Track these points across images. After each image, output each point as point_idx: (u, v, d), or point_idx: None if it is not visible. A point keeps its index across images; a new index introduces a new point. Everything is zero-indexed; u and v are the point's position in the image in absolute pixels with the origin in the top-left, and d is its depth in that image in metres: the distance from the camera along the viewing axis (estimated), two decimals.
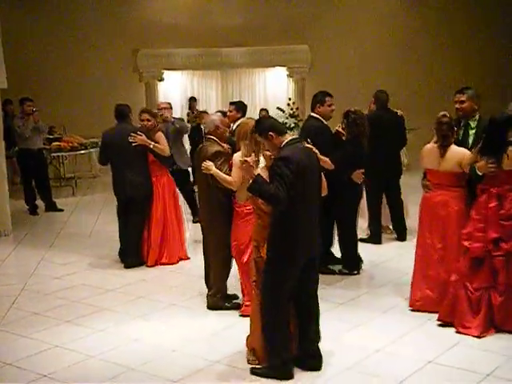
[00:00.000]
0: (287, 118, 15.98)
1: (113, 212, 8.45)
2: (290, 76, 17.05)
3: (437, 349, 5.33)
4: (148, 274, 7.71)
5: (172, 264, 8.03)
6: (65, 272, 7.90)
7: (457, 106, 6.51)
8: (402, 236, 8.80)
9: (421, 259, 6.27)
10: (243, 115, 8.83)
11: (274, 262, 4.86)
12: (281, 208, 4.75)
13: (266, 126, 4.97)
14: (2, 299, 6.96)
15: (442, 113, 6.13)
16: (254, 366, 5.04)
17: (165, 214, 8.07)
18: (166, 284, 7.37)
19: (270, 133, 4.88)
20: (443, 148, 6.06)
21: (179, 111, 15.85)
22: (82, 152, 13.32)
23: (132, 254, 8.01)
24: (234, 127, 8.37)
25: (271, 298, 4.88)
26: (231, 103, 9.36)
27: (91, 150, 13.37)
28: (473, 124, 6.48)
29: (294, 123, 15.76)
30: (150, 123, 8.00)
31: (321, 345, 5.09)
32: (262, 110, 15.00)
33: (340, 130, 7.40)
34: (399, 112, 8.85)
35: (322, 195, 5.18)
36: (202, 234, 6.59)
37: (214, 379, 4.95)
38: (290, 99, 16.61)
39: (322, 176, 5.15)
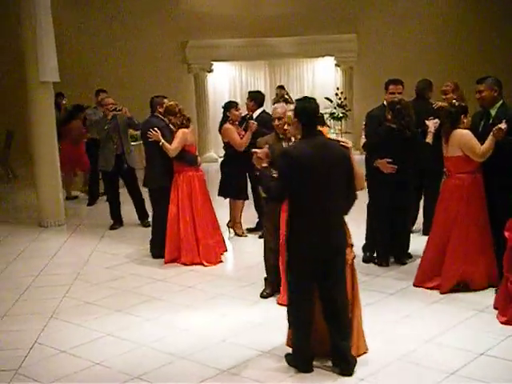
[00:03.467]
0: (335, 108, 15.91)
1: None
2: (337, 65, 16.92)
3: (489, 341, 5.25)
4: (197, 265, 7.75)
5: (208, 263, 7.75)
6: (116, 262, 8.03)
7: (477, 96, 6.42)
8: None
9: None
10: (259, 105, 8.90)
11: (288, 259, 4.86)
12: (276, 202, 4.86)
13: (302, 111, 4.81)
14: (56, 288, 7.12)
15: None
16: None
17: (190, 211, 7.81)
18: (214, 274, 7.42)
19: (297, 119, 4.79)
20: (445, 134, 6.39)
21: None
22: (132, 144, 13.46)
23: (155, 246, 8.09)
24: (255, 116, 8.72)
25: (290, 295, 4.89)
26: (249, 93, 9.49)
27: (140, 142, 13.47)
28: (493, 112, 6.35)
29: (342, 113, 15.68)
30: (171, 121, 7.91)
31: (370, 335, 5.06)
32: (278, 87, 14.73)
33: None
34: (440, 103, 8.25)
35: (358, 191, 4.92)
36: None
37: (263, 369, 4.96)
38: (337, 89, 16.50)
39: (359, 171, 4.93)
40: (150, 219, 9.13)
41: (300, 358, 4.90)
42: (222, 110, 8.91)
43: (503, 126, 5.97)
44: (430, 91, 8.67)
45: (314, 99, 4.95)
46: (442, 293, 6.32)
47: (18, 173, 14.79)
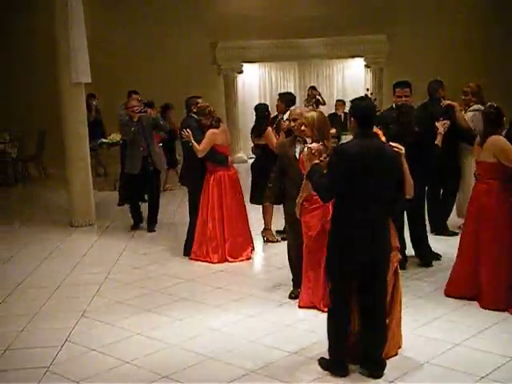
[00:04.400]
0: None
1: None
2: (367, 66, 16.85)
3: None
4: (227, 265, 7.79)
5: (236, 260, 7.90)
6: (145, 262, 8.10)
7: None
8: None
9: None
10: (287, 106, 8.92)
11: (328, 259, 4.89)
12: (325, 199, 4.86)
13: (358, 110, 4.79)
14: (87, 287, 7.20)
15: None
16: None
17: (220, 210, 7.91)
18: (244, 274, 7.45)
19: (354, 119, 4.77)
20: (482, 138, 6.17)
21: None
22: (161, 144, 13.54)
23: (190, 247, 8.18)
24: (285, 118, 8.71)
25: (330, 297, 4.90)
26: (279, 94, 9.60)
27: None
28: None
29: None
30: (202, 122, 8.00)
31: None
32: (310, 87, 14.68)
33: None
34: (449, 102, 8.19)
35: (408, 198, 4.90)
36: None
37: (291, 370, 4.97)
38: (367, 90, 16.42)
39: (408, 178, 4.86)
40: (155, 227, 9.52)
41: (335, 362, 4.87)
42: (258, 113, 8.87)
43: None
44: (443, 91, 8.63)
45: (370, 99, 4.92)
46: (483, 307, 6.06)
47: (50, 172, 14.99)
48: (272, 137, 8.51)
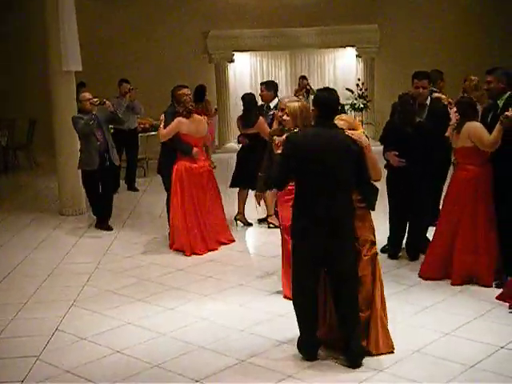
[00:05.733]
0: (356, 99, 15.84)
1: None
2: (359, 56, 16.83)
3: (509, 334, 5.23)
4: (216, 254, 7.80)
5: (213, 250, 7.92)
6: (136, 251, 8.09)
7: (485, 86, 6.37)
8: None
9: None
10: (275, 94, 9.04)
11: (292, 245, 4.94)
12: (273, 187, 5.17)
13: (320, 101, 4.85)
14: (77, 276, 7.19)
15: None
16: None
17: (183, 199, 7.88)
18: (234, 264, 7.45)
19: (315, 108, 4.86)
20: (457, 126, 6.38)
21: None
22: (153, 133, 13.51)
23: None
24: (272, 106, 8.84)
25: (293, 282, 4.94)
26: (261, 83, 9.59)
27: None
28: (500, 104, 6.27)
29: (363, 104, 15.61)
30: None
31: (389, 327, 5.06)
32: (301, 77, 14.71)
33: None
34: (437, 95, 8.03)
35: (375, 181, 4.94)
36: None
37: (281, 359, 4.98)
38: (359, 79, 16.43)
39: (373, 162, 4.88)
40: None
41: (303, 346, 4.96)
42: (247, 102, 8.88)
43: (510, 113, 5.87)
44: (442, 81, 8.64)
45: (334, 91, 4.95)
46: (453, 284, 6.33)
47: (40, 161, 14.94)
48: (265, 126, 8.51)
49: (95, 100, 8.95)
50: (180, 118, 7.88)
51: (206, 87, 12.36)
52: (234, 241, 8.23)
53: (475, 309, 5.79)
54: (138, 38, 15.96)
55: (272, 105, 8.95)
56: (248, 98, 8.91)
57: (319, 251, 4.74)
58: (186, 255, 7.75)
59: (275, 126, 8.26)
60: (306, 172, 4.70)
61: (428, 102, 7.34)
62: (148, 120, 13.63)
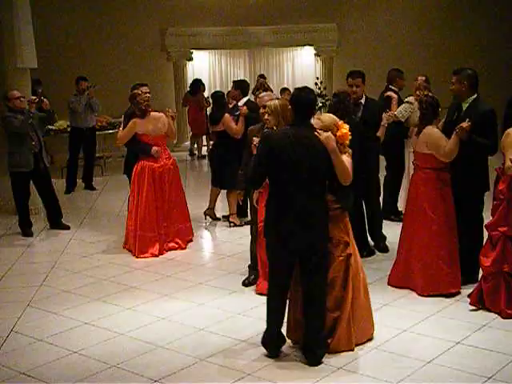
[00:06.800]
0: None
1: None
2: (317, 55, 16.90)
3: (465, 330, 5.31)
4: (175, 254, 7.76)
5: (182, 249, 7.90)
6: (94, 250, 7.99)
7: (450, 86, 6.32)
8: None
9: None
10: (244, 94, 9.10)
11: (266, 245, 4.97)
12: (250, 186, 5.20)
13: (296, 100, 4.86)
14: (33, 276, 7.08)
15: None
16: None
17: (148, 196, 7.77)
18: (193, 263, 7.42)
19: (291, 107, 4.89)
20: (418, 129, 6.30)
21: (208, 91, 15.72)
22: (111, 132, 13.39)
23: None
24: (240, 104, 8.88)
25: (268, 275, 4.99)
26: (234, 82, 9.84)
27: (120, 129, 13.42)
28: (464, 107, 6.22)
29: (322, 103, 15.67)
30: None
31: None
32: (259, 76, 14.69)
33: None
34: (389, 93, 8.26)
35: (344, 182, 4.83)
36: None
37: (241, 358, 4.97)
38: (317, 78, 16.50)
39: (341, 165, 4.76)
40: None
41: (268, 340, 4.97)
42: (214, 99, 9.00)
43: (465, 124, 5.83)
44: (401, 80, 8.70)
45: (311, 91, 4.97)
46: (420, 295, 6.12)
47: None
48: (230, 122, 8.49)
49: (34, 98, 8.71)
50: (135, 119, 7.81)
51: (201, 80, 14.10)
52: (192, 241, 8.16)
53: (432, 306, 5.85)
54: (95, 34, 15.72)
55: (240, 104, 8.91)
56: (215, 96, 9.06)
57: (292, 244, 4.73)
58: (134, 256, 7.66)
59: (240, 124, 8.33)
60: (280, 170, 4.69)
61: (363, 100, 7.33)
62: (105, 118, 13.52)
